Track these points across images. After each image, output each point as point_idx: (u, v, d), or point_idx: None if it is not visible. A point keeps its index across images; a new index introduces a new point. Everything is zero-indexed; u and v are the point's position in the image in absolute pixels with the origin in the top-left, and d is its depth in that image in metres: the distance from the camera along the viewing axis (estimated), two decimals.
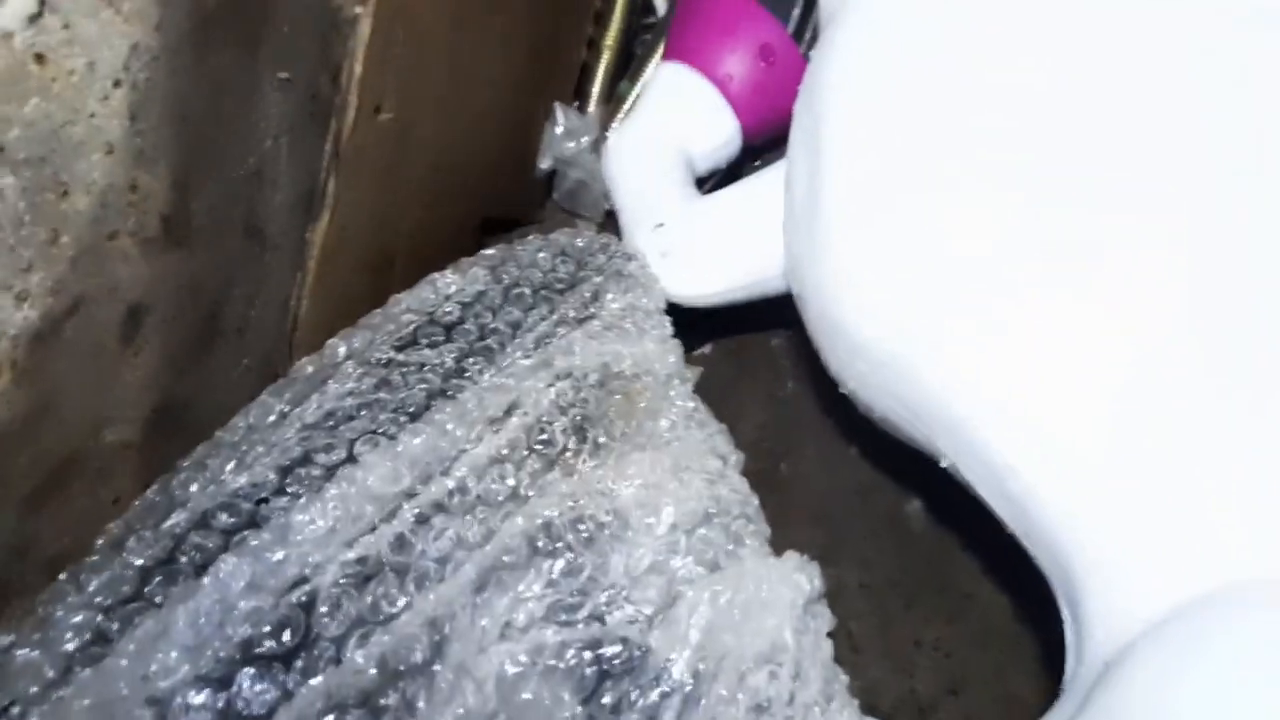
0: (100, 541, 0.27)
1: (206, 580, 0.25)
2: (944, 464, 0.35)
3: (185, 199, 0.31)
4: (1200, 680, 0.24)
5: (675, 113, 0.51)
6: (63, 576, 0.27)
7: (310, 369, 0.34)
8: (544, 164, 0.55)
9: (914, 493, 0.46)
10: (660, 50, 0.55)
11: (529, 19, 0.50)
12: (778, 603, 0.26)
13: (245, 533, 0.26)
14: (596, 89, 0.58)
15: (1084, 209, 0.30)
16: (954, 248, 0.32)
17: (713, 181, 0.54)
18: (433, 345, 0.36)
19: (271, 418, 0.32)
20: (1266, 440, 0.26)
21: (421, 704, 0.23)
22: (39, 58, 0.25)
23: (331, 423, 0.32)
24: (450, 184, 0.47)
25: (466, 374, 0.34)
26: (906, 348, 0.32)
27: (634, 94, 0.56)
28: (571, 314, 0.38)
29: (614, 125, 0.56)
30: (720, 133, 0.52)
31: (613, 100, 0.57)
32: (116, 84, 0.27)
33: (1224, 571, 0.26)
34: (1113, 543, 0.28)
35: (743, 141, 0.52)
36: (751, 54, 0.51)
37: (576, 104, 0.57)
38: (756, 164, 0.55)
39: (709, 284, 0.46)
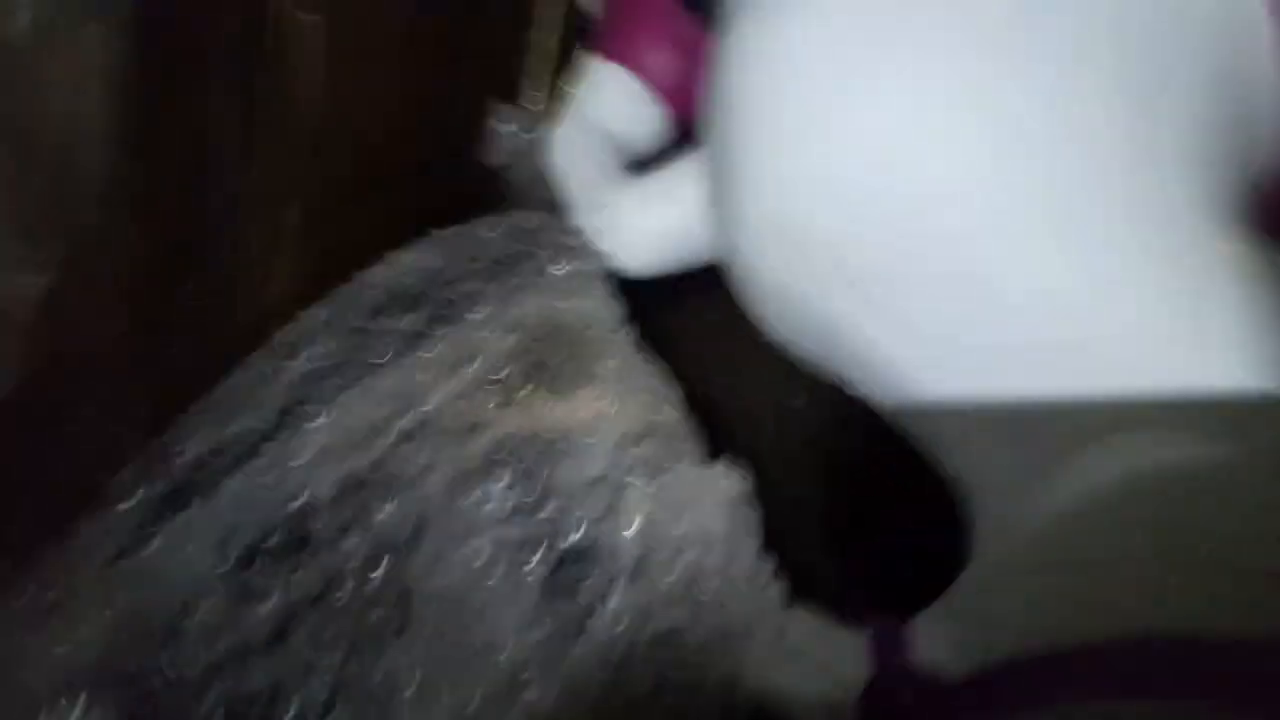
0: (116, 484, 0.31)
1: (215, 499, 0.29)
2: (859, 393, 0.40)
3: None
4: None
5: (607, 106, 0.56)
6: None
7: (291, 337, 0.38)
8: (494, 161, 0.60)
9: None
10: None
11: (459, 30, 0.55)
12: (708, 498, 0.31)
13: (245, 462, 0.30)
14: (540, 90, 0.63)
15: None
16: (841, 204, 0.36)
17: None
18: (400, 314, 0.41)
19: (259, 378, 0.36)
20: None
21: (406, 580, 0.28)
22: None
23: (314, 379, 0.36)
24: (400, 180, 0.52)
25: (431, 335, 0.39)
26: (812, 289, 0.37)
27: (573, 92, 0.61)
28: (524, 282, 0.43)
29: (557, 121, 0.60)
30: (651, 122, 0.57)
31: (555, 98, 0.62)
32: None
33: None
34: (991, 470, 0.33)
35: (678, 128, 0.57)
36: (675, 49, 0.56)
37: (523, 104, 0.62)
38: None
39: (647, 256, 0.50)
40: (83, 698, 0.24)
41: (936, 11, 0.35)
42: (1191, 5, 0.35)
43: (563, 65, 0.62)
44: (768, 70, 0.38)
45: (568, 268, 0.43)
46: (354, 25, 0.43)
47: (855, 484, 0.48)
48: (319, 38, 0.41)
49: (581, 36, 0.64)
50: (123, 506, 0.29)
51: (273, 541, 0.28)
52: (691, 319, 0.52)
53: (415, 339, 0.38)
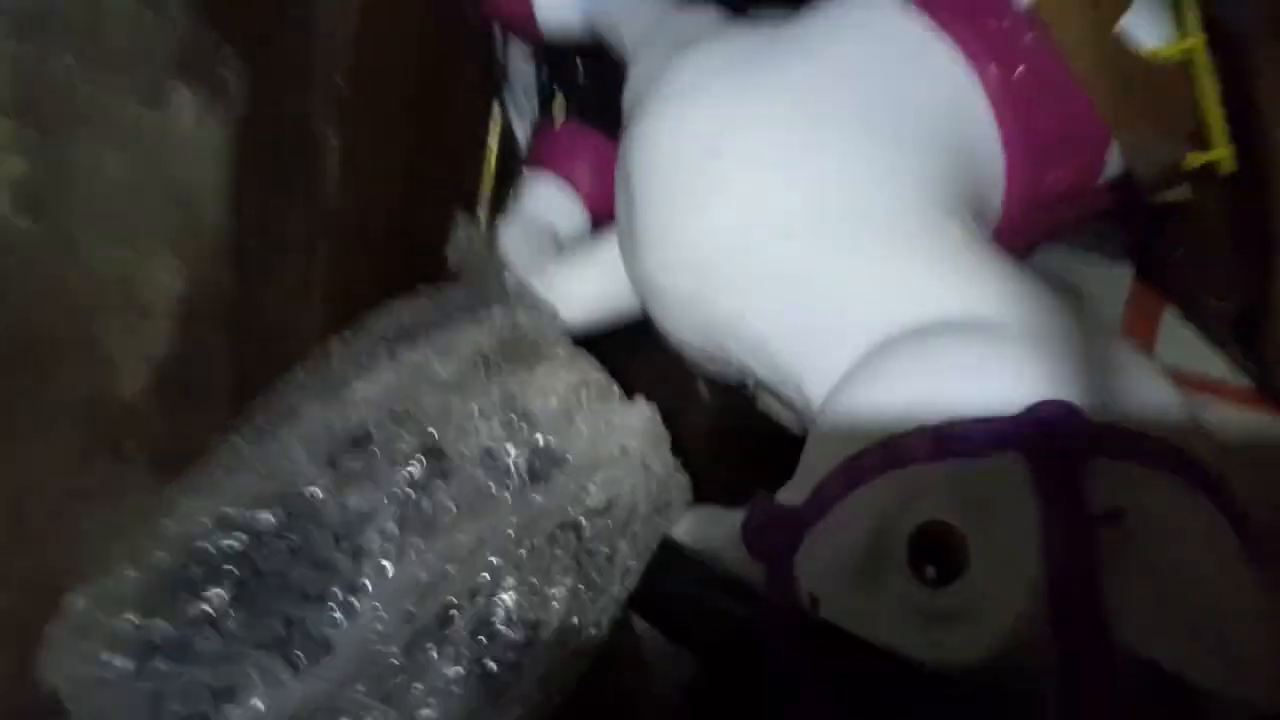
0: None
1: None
2: (749, 382, 0.56)
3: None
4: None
5: (540, 209, 0.75)
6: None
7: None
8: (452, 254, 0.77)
9: None
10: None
11: (433, 152, 0.73)
12: (631, 421, 0.47)
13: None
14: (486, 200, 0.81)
15: None
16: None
17: None
18: (405, 345, 0.56)
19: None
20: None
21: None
22: None
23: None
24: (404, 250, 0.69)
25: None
26: (702, 302, 0.54)
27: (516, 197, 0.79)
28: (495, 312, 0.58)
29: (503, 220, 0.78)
30: (575, 220, 0.75)
31: (500, 204, 0.80)
32: None
33: None
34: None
35: (595, 220, 0.76)
36: (591, 162, 0.75)
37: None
38: None
39: (585, 312, 0.66)
40: None
41: (763, 108, 0.54)
42: (926, 91, 0.54)
43: (505, 179, 0.81)
44: (652, 155, 0.57)
45: (524, 307, 0.59)
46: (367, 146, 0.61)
47: (748, 461, 0.64)
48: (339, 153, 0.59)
49: (518, 157, 0.83)
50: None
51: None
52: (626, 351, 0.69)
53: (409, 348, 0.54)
